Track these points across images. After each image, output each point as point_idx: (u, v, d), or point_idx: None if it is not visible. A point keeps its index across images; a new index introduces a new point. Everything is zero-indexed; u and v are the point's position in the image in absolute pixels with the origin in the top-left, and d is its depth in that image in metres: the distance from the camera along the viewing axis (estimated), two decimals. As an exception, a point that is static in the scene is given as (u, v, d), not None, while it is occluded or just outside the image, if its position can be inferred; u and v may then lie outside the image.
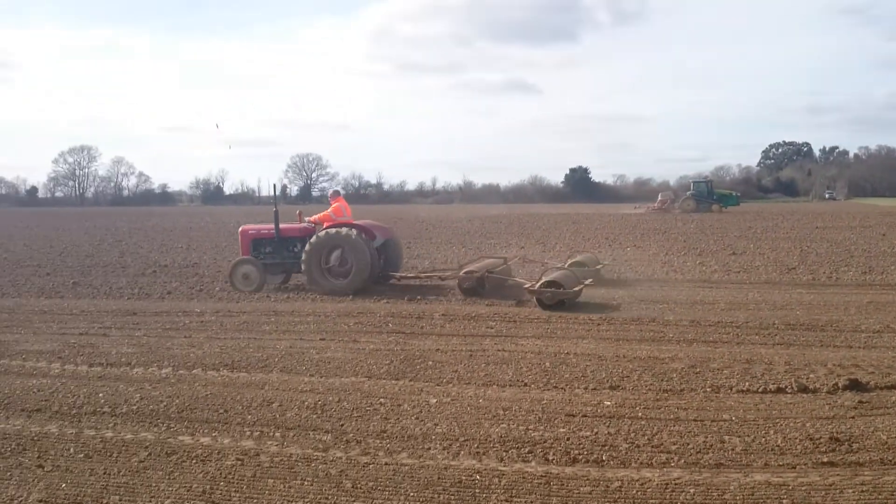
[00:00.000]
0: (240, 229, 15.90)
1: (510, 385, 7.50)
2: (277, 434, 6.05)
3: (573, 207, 74.41)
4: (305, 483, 5.05)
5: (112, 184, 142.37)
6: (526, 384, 7.49)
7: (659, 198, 60.21)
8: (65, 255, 23.11)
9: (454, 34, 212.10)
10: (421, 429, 6.14)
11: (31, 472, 5.32)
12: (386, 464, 5.38)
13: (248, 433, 6.07)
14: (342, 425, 6.25)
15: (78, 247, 25.28)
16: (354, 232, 14.22)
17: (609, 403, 6.83)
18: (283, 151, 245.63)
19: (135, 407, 6.82)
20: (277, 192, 15.57)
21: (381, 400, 6.97)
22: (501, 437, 5.95)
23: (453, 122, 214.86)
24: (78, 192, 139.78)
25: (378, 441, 5.87)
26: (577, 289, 12.12)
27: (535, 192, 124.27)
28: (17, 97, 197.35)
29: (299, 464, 5.39)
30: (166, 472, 5.24)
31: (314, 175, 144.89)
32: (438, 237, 30.03)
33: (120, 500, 4.81)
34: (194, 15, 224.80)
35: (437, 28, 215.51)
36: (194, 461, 5.45)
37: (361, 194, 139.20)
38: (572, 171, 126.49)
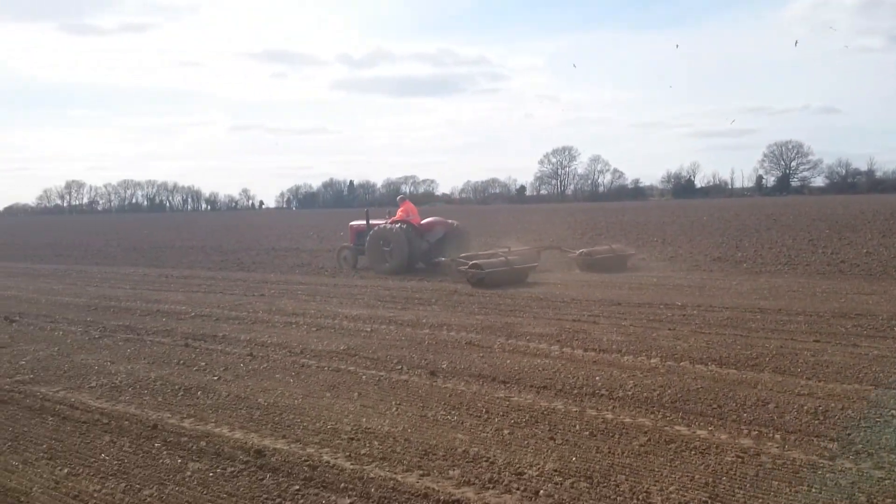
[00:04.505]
0: (348, 224, 22.16)
1: None
2: (777, 436, 5.82)
3: None
4: (813, 490, 4.77)
5: (589, 181, 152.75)
6: None
7: None
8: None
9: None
10: (950, 450, 5.35)
11: (544, 442, 5.90)
12: (907, 483, 4.82)
13: (745, 431, 5.96)
14: (849, 435, 5.75)
15: (562, 240, 27.44)
16: (396, 227, 18.94)
17: None
18: (760, 141, 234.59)
19: (629, 392, 7.18)
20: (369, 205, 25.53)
21: (893, 412, 6.25)
22: None
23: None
24: (559, 190, 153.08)
25: (892, 455, 5.28)
26: (491, 270, 15.63)
27: None
28: (508, 105, 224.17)
29: (804, 469, 5.11)
30: (667, 459, 5.41)
31: (793, 164, 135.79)
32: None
33: (626, 479, 5.10)
34: (640, 12, 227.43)
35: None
36: (693, 452, 5.54)
37: (848, 183, 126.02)
38: None
